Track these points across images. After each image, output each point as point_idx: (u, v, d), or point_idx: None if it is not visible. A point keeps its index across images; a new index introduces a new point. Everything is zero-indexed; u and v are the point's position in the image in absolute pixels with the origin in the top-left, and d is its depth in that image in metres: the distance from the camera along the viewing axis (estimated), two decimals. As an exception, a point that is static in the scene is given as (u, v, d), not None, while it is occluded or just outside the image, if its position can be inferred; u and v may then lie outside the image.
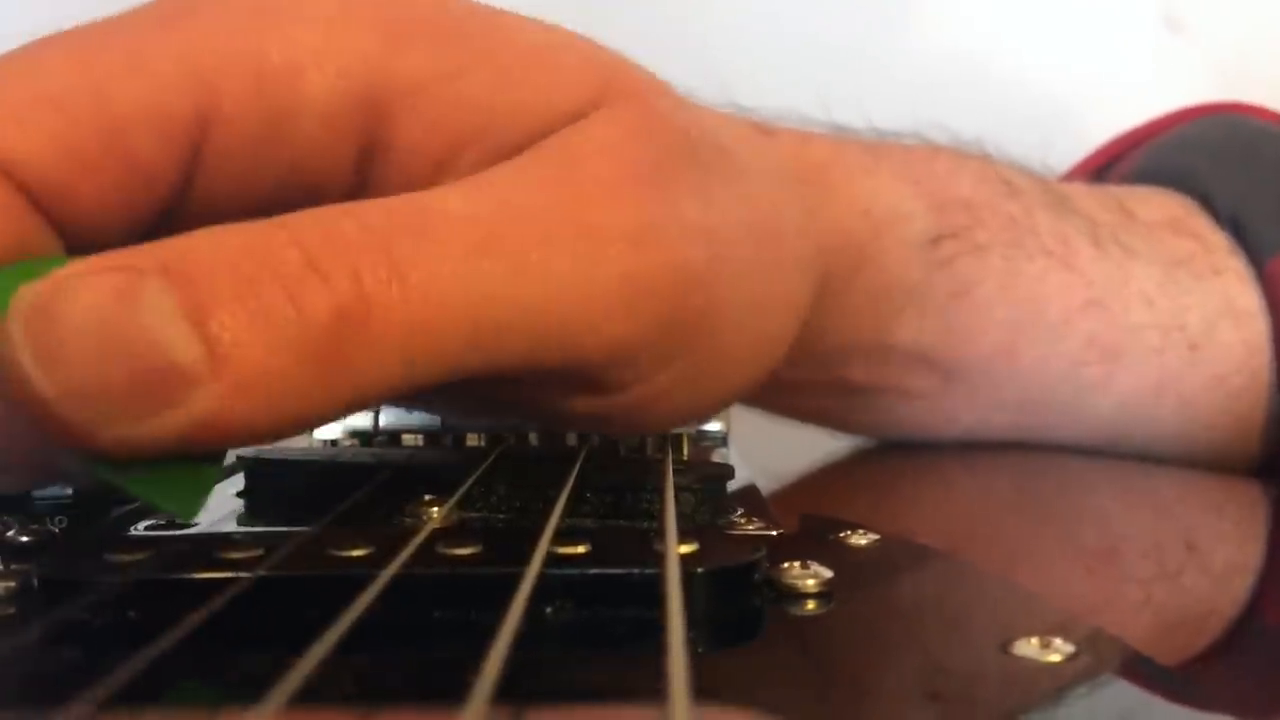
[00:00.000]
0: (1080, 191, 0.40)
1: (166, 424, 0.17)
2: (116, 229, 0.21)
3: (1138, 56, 0.75)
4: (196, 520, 0.24)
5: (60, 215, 0.20)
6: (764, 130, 0.32)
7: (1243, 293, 0.38)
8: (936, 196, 0.35)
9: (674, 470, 0.24)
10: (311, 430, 0.20)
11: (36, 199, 0.20)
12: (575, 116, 0.22)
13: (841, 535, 0.23)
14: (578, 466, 0.24)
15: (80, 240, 0.20)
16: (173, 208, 0.21)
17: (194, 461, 0.18)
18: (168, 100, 0.20)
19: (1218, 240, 0.39)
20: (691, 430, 0.32)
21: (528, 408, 0.23)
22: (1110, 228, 0.38)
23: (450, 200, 0.20)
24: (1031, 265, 0.36)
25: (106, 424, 0.17)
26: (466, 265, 0.19)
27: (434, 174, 0.22)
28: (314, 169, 0.22)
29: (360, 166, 0.22)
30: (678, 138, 0.23)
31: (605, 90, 0.23)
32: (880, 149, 0.35)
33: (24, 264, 0.19)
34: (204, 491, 0.19)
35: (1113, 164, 0.47)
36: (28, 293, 0.17)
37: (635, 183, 0.22)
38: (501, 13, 0.23)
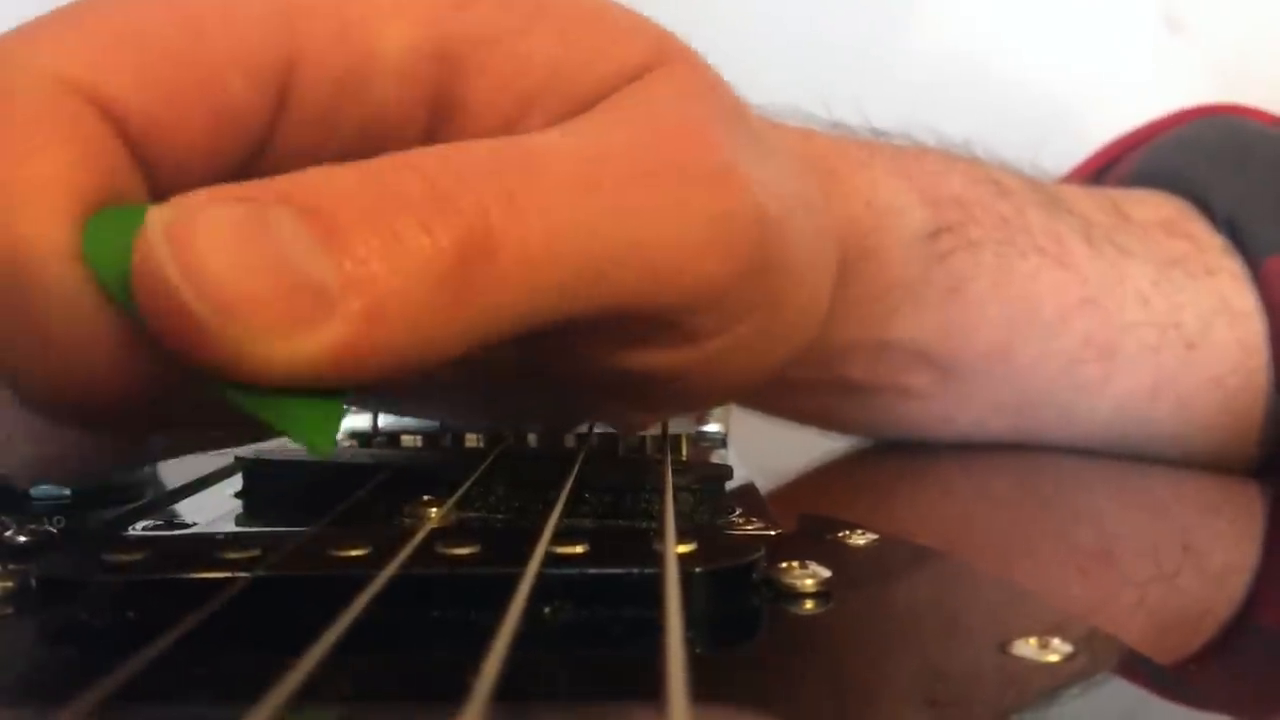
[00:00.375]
0: (1072, 192, 0.40)
1: (308, 345, 0.17)
2: (201, 174, 0.20)
3: (1137, 57, 0.75)
4: (193, 523, 0.24)
5: (149, 154, 0.20)
6: (772, 123, 0.32)
7: (1238, 293, 0.38)
8: (929, 192, 0.35)
9: (673, 470, 0.24)
10: (437, 368, 0.20)
11: (129, 136, 0.19)
12: (634, 76, 0.22)
13: (840, 535, 0.23)
14: (577, 467, 0.24)
15: (164, 181, 0.20)
16: (256, 155, 0.21)
17: (323, 396, 0.18)
18: (258, 43, 0.20)
19: (1212, 241, 0.39)
20: (690, 431, 0.32)
21: (602, 373, 0.23)
22: (1104, 227, 0.38)
23: (550, 140, 0.20)
24: (1024, 263, 0.36)
25: (254, 341, 0.17)
26: (576, 199, 0.19)
27: (505, 130, 0.22)
28: (389, 122, 0.22)
29: (431, 123, 0.22)
30: (732, 99, 0.23)
31: (660, 52, 0.23)
32: (872, 145, 0.35)
33: (116, 210, 0.18)
34: (334, 425, 0.18)
35: (1110, 166, 0.47)
36: (160, 214, 0.17)
37: (713, 128, 0.22)
38: None
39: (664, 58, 0.23)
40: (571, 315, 0.20)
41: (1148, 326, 0.37)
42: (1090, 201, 0.39)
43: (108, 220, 0.18)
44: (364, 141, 0.22)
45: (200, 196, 0.17)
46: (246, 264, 0.17)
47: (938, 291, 0.35)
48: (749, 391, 0.29)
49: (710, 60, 0.24)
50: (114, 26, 0.19)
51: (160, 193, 0.19)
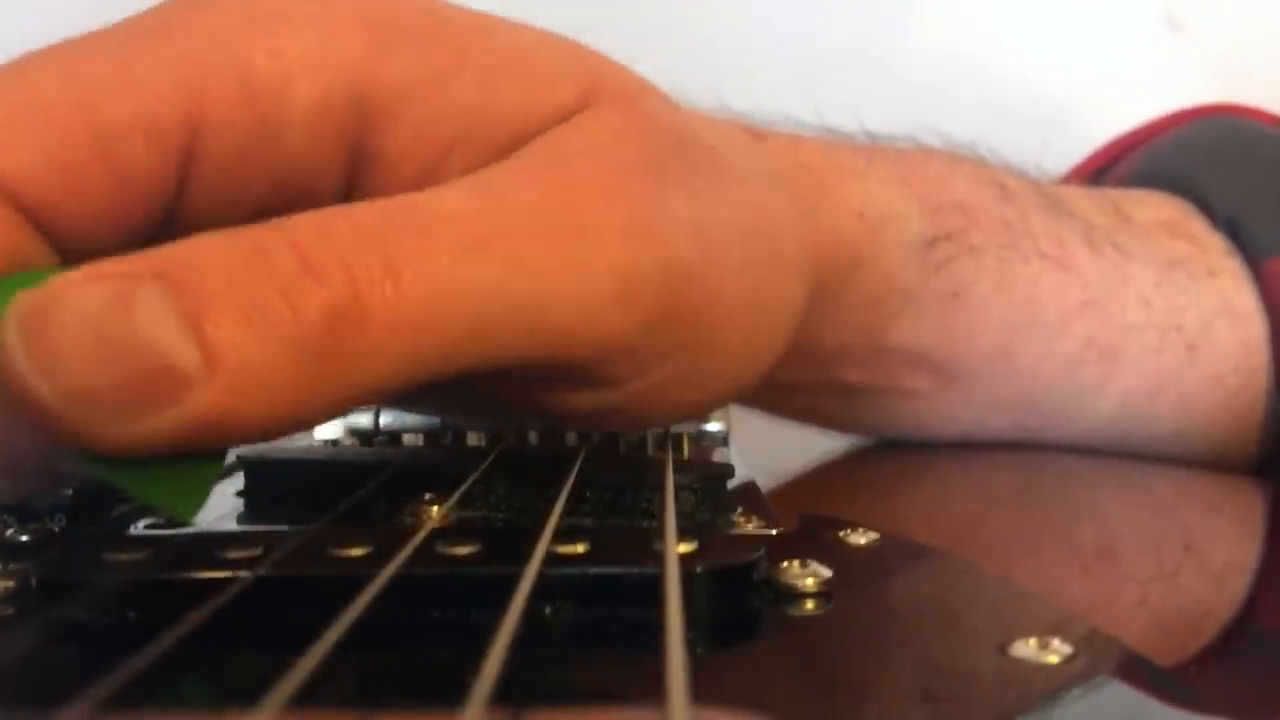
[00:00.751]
0: (1075, 194, 0.40)
1: (164, 422, 0.17)
2: (110, 239, 0.21)
3: (1137, 57, 0.75)
4: (194, 522, 0.24)
5: (53, 227, 0.20)
6: (754, 134, 0.32)
7: (1239, 293, 0.38)
8: (930, 199, 0.35)
9: (674, 469, 0.24)
10: (311, 428, 0.20)
11: (29, 211, 0.20)
12: (562, 118, 0.22)
13: (841, 534, 0.23)
14: (577, 465, 0.24)
15: (74, 251, 0.20)
16: (166, 217, 0.21)
17: (193, 461, 0.18)
18: (157, 110, 0.20)
19: (1213, 242, 0.39)
20: (692, 430, 0.32)
21: (525, 405, 0.23)
22: (1105, 230, 0.38)
23: (443, 199, 0.20)
24: (1027, 267, 0.36)
25: (104, 424, 0.17)
26: (460, 263, 0.19)
27: (423, 178, 0.22)
28: (304, 176, 0.22)
29: (349, 173, 0.22)
30: (666, 137, 0.23)
31: (591, 91, 0.23)
32: (872, 152, 0.35)
33: (19, 276, 0.19)
34: (203, 491, 0.19)
35: (1110, 166, 0.47)
36: (23, 300, 0.17)
37: (626, 179, 0.22)
38: (484, 15, 0.23)
39: (595, 97, 0.23)
40: (463, 370, 0.20)
41: (1150, 328, 0.37)
42: (1092, 203, 0.39)
43: (14, 283, 0.18)
44: (280, 194, 0.22)
45: (73, 275, 0.17)
46: (100, 350, 0.17)
47: (937, 297, 0.35)
48: (704, 413, 0.29)
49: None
50: (7, 104, 0.20)
51: (73, 257, 0.20)
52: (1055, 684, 0.16)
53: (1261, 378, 0.38)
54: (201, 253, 0.18)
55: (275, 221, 0.19)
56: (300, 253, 0.18)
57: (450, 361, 0.20)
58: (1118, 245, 0.38)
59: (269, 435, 0.18)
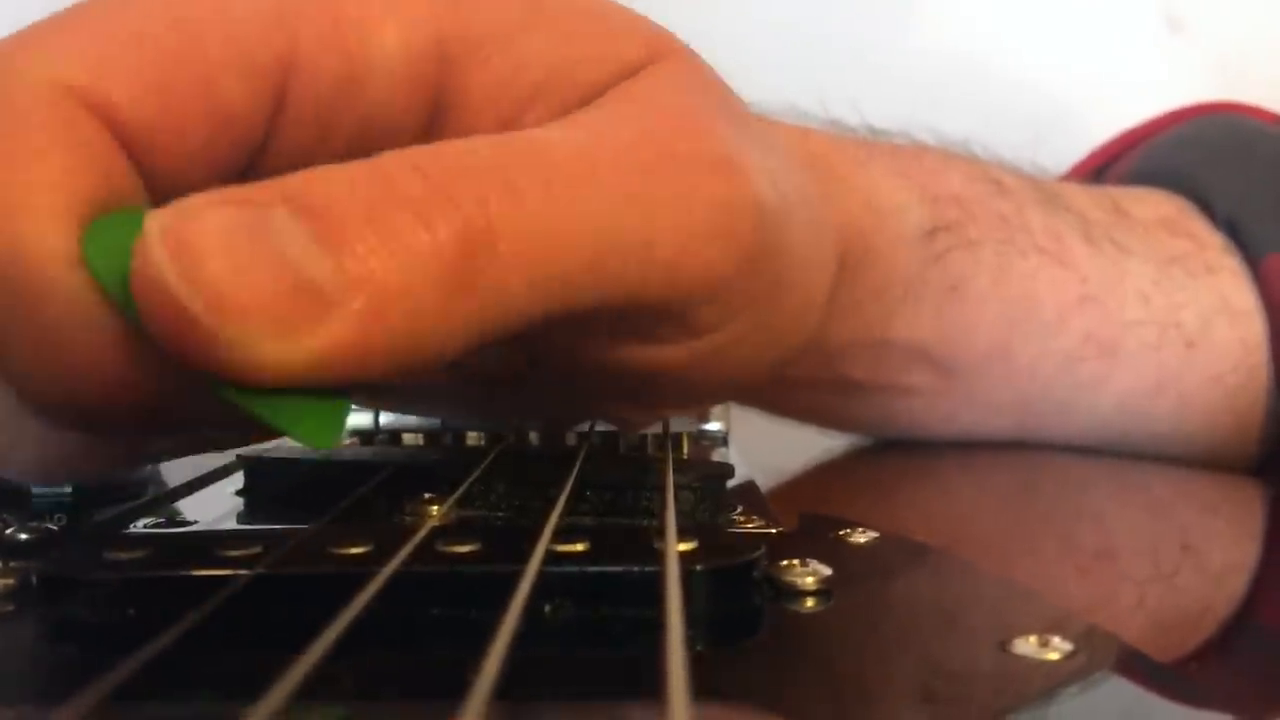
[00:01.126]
0: (1072, 190, 0.40)
1: (308, 345, 0.17)
2: (200, 177, 0.20)
3: (1138, 56, 0.75)
4: (193, 521, 0.24)
5: (146, 158, 0.20)
6: (767, 119, 0.32)
7: (1238, 291, 0.38)
8: (928, 190, 0.35)
9: (674, 468, 0.24)
10: (445, 363, 0.20)
11: (126, 140, 0.19)
12: (631, 72, 0.23)
13: (841, 533, 0.23)
14: (577, 465, 0.24)
15: (163, 185, 0.20)
16: (252, 159, 0.21)
17: (327, 395, 0.18)
18: (253, 46, 0.20)
19: (1212, 239, 0.39)
20: (692, 429, 0.32)
21: (607, 365, 0.23)
22: (1103, 226, 0.38)
23: (551, 135, 0.20)
24: (1024, 261, 0.36)
25: (251, 342, 0.17)
26: (579, 192, 0.19)
27: (502, 128, 0.22)
28: (386, 121, 0.22)
29: (429, 121, 0.22)
30: (729, 95, 0.23)
31: (656, 48, 0.23)
32: (870, 144, 0.35)
33: (113, 216, 0.19)
34: (338, 423, 0.18)
35: (1110, 164, 0.47)
36: (159, 219, 0.17)
37: (712, 120, 0.22)
38: None
39: (660, 54, 0.23)
40: (575, 307, 0.20)
41: (1148, 325, 0.37)
42: (1090, 200, 0.39)
43: (108, 225, 0.18)
44: (363, 141, 0.22)
45: (199, 200, 0.17)
46: (244, 266, 0.17)
47: (936, 290, 0.35)
48: (747, 388, 0.29)
49: (709, 60, 0.24)
50: (109, 32, 0.20)
51: (159, 196, 0.19)
52: (1055, 681, 0.16)
53: (1261, 376, 0.38)
54: (329, 181, 0.18)
55: (396, 151, 0.19)
56: (428, 178, 0.18)
57: (573, 293, 0.19)
58: (1115, 241, 0.38)
59: (407, 369, 0.18)
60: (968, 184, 0.36)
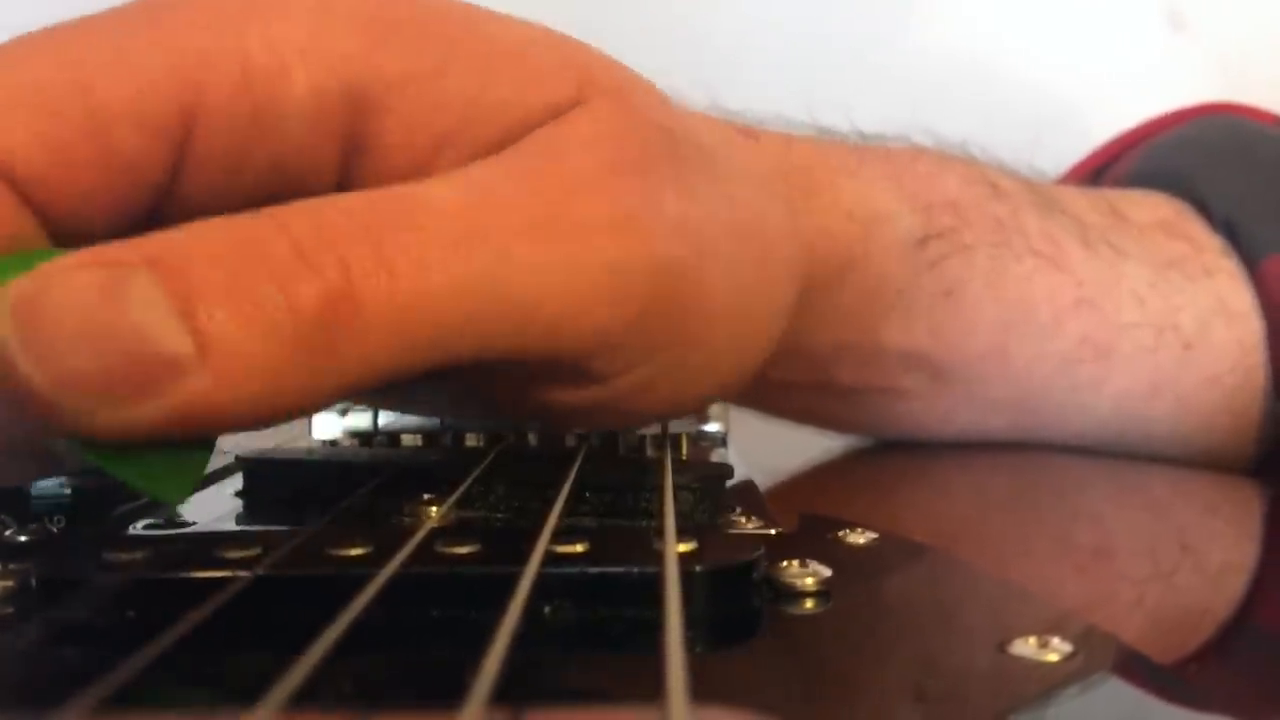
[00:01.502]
0: (1069, 193, 0.40)
1: (156, 410, 0.17)
2: (103, 224, 0.21)
3: (1139, 54, 0.75)
4: (193, 522, 0.24)
5: (46, 210, 0.20)
6: (747, 133, 0.32)
7: (1235, 292, 0.38)
8: (921, 198, 0.35)
9: (673, 469, 0.24)
10: (302, 417, 0.21)
11: (23, 193, 0.20)
12: (554, 114, 0.22)
13: (840, 534, 0.23)
14: (576, 466, 0.24)
15: (67, 235, 0.20)
16: (159, 203, 0.21)
17: (185, 448, 0.19)
18: (153, 96, 0.20)
19: (1210, 242, 0.39)
20: (691, 430, 0.32)
21: (515, 402, 0.24)
22: (1100, 229, 0.38)
23: (434, 192, 0.20)
24: (1019, 265, 0.36)
25: (96, 411, 0.17)
26: (452, 255, 0.19)
27: (415, 170, 0.22)
28: (298, 166, 0.22)
29: (343, 164, 0.22)
30: (657, 134, 0.23)
31: (584, 87, 0.23)
32: (864, 151, 0.35)
33: (12, 257, 0.19)
34: (194, 477, 0.19)
35: (1110, 164, 0.47)
36: (17, 286, 0.17)
37: (617, 175, 0.22)
38: (479, 9, 0.24)
39: (588, 94, 0.23)
40: (453, 361, 0.20)
41: (1145, 327, 0.37)
42: (1086, 202, 0.39)
43: (7, 265, 0.18)
44: (276, 181, 0.22)
45: (65, 261, 0.18)
46: (92, 338, 0.17)
47: (929, 296, 0.35)
48: (690, 410, 0.29)
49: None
50: (3, 86, 0.20)
51: (64, 241, 0.20)
52: (1054, 682, 0.16)
53: (1258, 377, 0.38)
54: (194, 240, 0.18)
55: (268, 210, 0.19)
56: (293, 241, 0.18)
57: (441, 352, 0.20)
58: (1112, 244, 0.38)
59: (260, 424, 0.19)
60: (963, 187, 0.36)
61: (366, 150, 0.22)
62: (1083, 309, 0.37)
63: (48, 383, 0.17)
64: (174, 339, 0.17)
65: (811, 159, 0.33)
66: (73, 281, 0.17)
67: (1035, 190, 0.38)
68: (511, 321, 0.20)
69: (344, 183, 0.22)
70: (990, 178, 0.37)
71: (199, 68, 0.21)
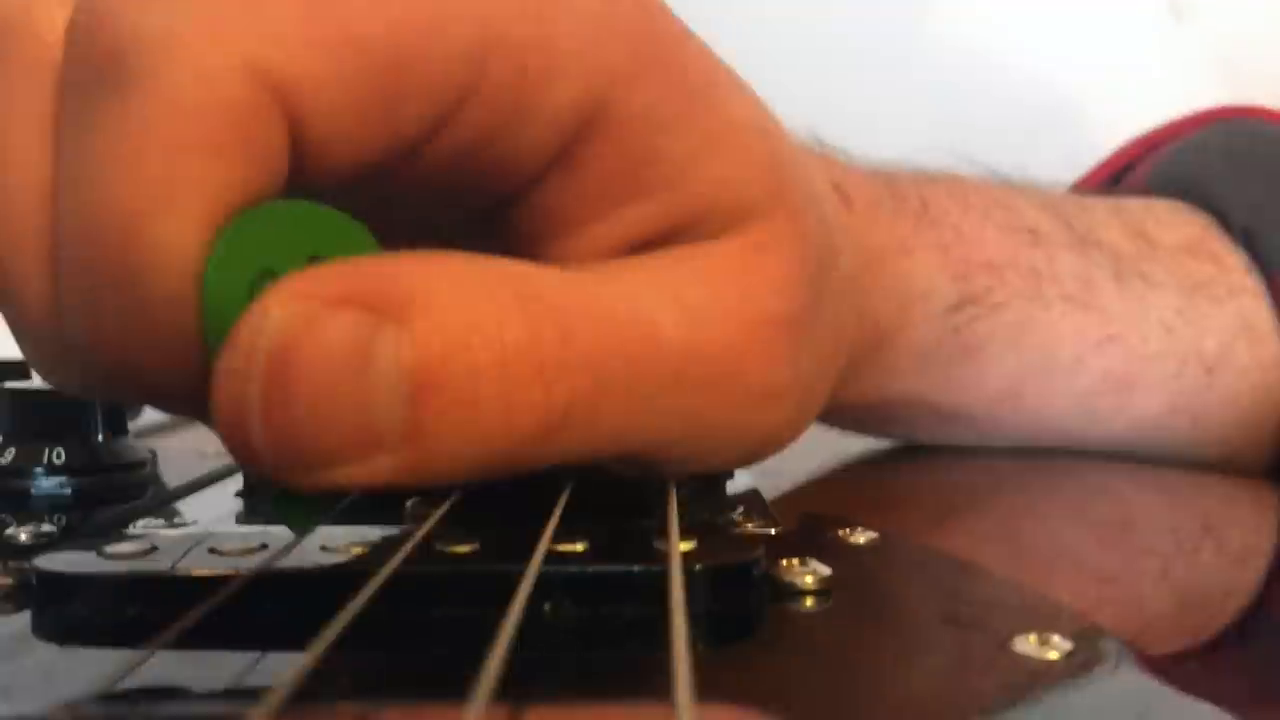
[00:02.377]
0: (1101, 221, 0.39)
1: (341, 477, 0.17)
2: (341, 174, 0.19)
3: (1142, 45, 0.75)
4: (193, 521, 0.24)
5: (303, 146, 0.18)
6: (845, 197, 0.32)
7: (1258, 311, 0.38)
8: (962, 265, 0.35)
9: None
10: None
11: (292, 125, 0.18)
12: (738, 216, 0.22)
13: (841, 533, 0.23)
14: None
15: (305, 168, 0.19)
16: (391, 169, 0.20)
17: None
18: (446, 71, 0.19)
19: (1234, 260, 0.39)
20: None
21: None
22: (1131, 259, 0.38)
23: (663, 323, 0.20)
24: (1048, 313, 0.36)
25: (295, 472, 0.17)
26: (649, 403, 0.20)
27: (599, 205, 0.22)
28: (515, 164, 0.21)
29: (545, 171, 0.22)
30: (816, 276, 0.23)
31: (774, 198, 0.22)
32: (920, 215, 0.35)
33: (253, 216, 0.18)
34: (324, 510, 0.20)
35: (1129, 168, 0.47)
36: (273, 326, 0.17)
37: (777, 340, 0.22)
38: (718, 65, 0.23)
39: (772, 207, 0.22)
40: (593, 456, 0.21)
41: (1170, 357, 0.37)
42: (1118, 228, 0.39)
43: (243, 235, 0.18)
44: (487, 174, 0.21)
45: (323, 288, 0.17)
46: (332, 403, 0.17)
47: (949, 354, 0.35)
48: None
49: (730, 61, 0.24)
50: (323, 13, 0.18)
51: (295, 175, 0.19)
52: (1056, 679, 0.16)
53: (1276, 395, 0.38)
54: (449, 307, 0.18)
55: (519, 294, 0.18)
56: (539, 353, 0.18)
57: (596, 456, 0.20)
58: (1143, 275, 0.38)
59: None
60: (1003, 239, 0.36)
61: (567, 168, 0.21)
62: (1108, 345, 0.37)
63: (269, 443, 0.17)
64: (394, 419, 0.17)
65: (884, 237, 0.33)
66: (330, 331, 0.17)
67: (1071, 225, 0.38)
68: (649, 457, 0.21)
69: (533, 183, 0.22)
70: (1028, 221, 0.37)
71: (485, 58, 0.19)
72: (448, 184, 0.21)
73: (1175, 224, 0.40)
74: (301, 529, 0.19)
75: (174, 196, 0.17)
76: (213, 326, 0.17)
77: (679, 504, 0.22)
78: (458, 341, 0.17)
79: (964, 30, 0.76)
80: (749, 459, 0.24)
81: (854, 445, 0.41)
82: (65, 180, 0.18)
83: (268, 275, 0.18)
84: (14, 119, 0.19)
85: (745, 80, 0.24)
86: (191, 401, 0.19)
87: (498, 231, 0.23)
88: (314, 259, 0.19)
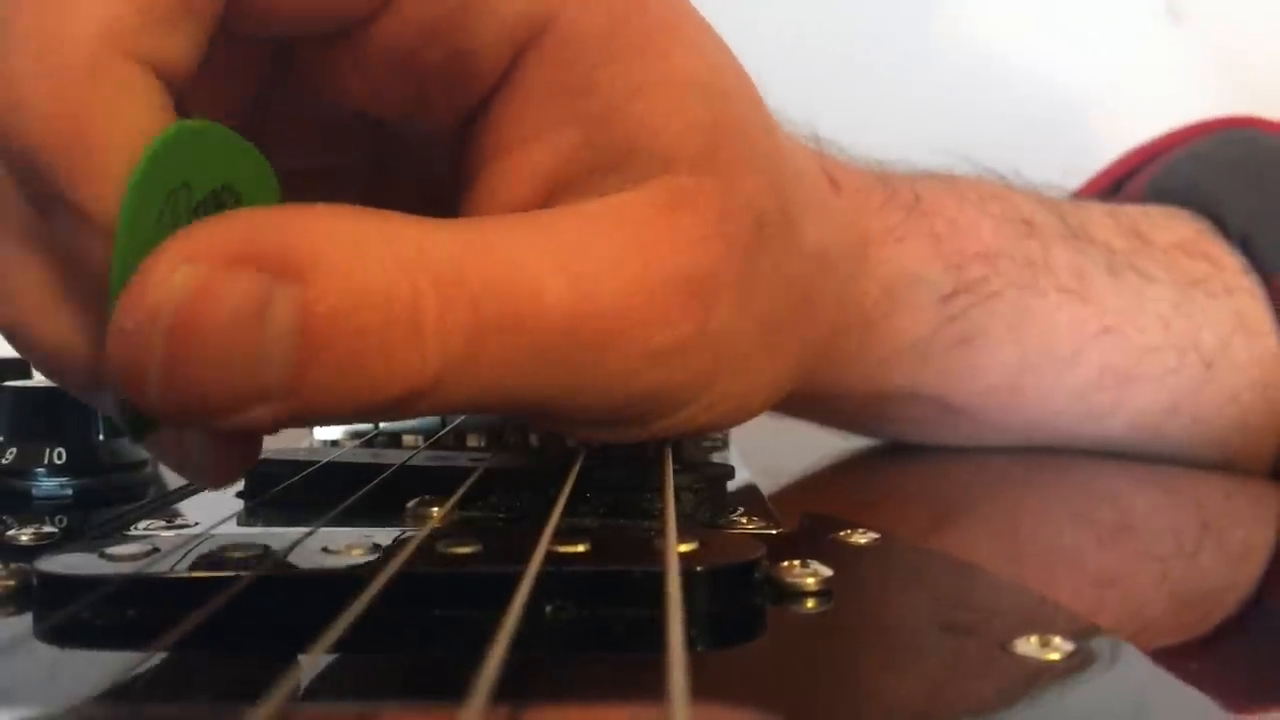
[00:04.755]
0: (1096, 219, 0.39)
1: (224, 424, 0.18)
2: (279, 21, 0.20)
3: (1139, 46, 0.75)
4: (194, 523, 0.24)
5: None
6: (834, 182, 0.32)
7: (1254, 310, 0.38)
8: (955, 255, 0.35)
9: (674, 470, 0.24)
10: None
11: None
12: (667, 165, 0.22)
13: (841, 534, 0.23)
14: (578, 466, 0.24)
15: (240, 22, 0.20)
16: (338, 35, 0.21)
17: None
18: None
19: (1230, 261, 0.39)
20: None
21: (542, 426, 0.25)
22: (1125, 254, 0.38)
23: (548, 287, 0.20)
24: (1044, 302, 0.36)
25: (186, 419, 0.18)
26: (538, 361, 0.20)
27: (532, 128, 0.22)
28: (462, 72, 0.22)
29: (487, 94, 0.22)
30: (741, 239, 0.23)
31: (703, 155, 0.22)
32: (913, 205, 0.35)
33: (176, 136, 0.18)
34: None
35: (1129, 177, 0.47)
36: (175, 288, 0.17)
37: (677, 297, 0.22)
38: (687, 15, 0.23)
39: (701, 166, 0.22)
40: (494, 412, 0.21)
41: (1168, 349, 0.37)
42: (1112, 226, 0.39)
43: (172, 154, 0.18)
44: (435, 79, 0.22)
45: (223, 249, 0.17)
46: (230, 362, 0.17)
47: (945, 345, 0.35)
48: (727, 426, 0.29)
49: (749, 61, 0.24)
50: None
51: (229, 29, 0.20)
52: (1057, 680, 0.16)
53: (1275, 394, 0.38)
54: (340, 265, 0.18)
55: (402, 251, 0.19)
56: (420, 310, 0.19)
57: (489, 406, 0.21)
58: (1137, 269, 0.38)
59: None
60: (998, 230, 0.36)
61: (510, 86, 0.22)
62: (1105, 338, 0.37)
63: (167, 399, 0.17)
64: (281, 375, 0.18)
65: (873, 226, 0.33)
66: (228, 293, 0.17)
67: (1065, 220, 0.38)
68: (561, 406, 0.21)
69: (484, 101, 0.22)
70: (1024, 213, 0.37)
71: None
72: (411, 90, 0.22)
73: (1170, 225, 0.40)
74: (138, 435, 0.20)
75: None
76: (128, 222, 0.18)
77: (681, 505, 0.22)
78: (347, 303, 0.18)
79: (963, 35, 0.76)
80: (668, 419, 0.24)
81: (853, 445, 0.41)
82: None
83: (184, 189, 0.19)
84: None
85: (719, 39, 0.24)
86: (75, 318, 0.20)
87: (460, 163, 0.23)
88: (225, 188, 0.19)
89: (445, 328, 0.19)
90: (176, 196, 0.19)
